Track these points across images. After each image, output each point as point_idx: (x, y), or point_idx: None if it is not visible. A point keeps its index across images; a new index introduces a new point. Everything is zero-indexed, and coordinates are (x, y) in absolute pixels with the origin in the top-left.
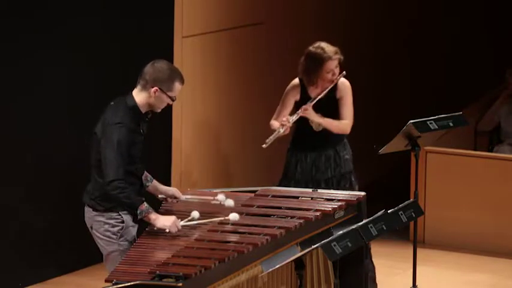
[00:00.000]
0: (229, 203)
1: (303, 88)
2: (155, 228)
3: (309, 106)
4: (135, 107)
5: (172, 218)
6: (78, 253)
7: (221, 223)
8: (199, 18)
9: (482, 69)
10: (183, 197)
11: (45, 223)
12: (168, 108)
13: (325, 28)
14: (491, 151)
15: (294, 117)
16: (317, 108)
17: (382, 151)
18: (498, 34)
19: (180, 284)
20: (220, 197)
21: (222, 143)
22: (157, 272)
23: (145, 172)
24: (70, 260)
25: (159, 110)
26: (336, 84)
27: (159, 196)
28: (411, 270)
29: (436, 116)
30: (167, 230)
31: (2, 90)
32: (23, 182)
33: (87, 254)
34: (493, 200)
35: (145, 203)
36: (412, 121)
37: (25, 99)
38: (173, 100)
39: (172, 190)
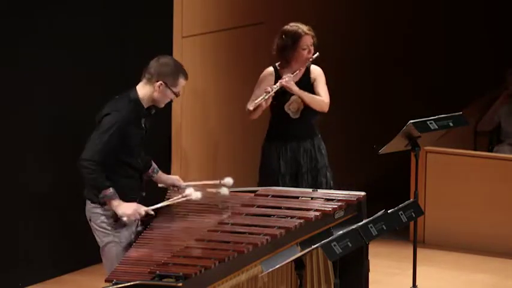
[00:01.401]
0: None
1: (278, 76)
2: (118, 216)
3: (289, 77)
4: (136, 100)
5: (134, 205)
6: (78, 253)
7: (221, 223)
8: (199, 18)
9: (482, 69)
10: (184, 185)
11: (44, 223)
12: (168, 105)
13: (325, 28)
14: (491, 151)
15: (277, 86)
16: (292, 94)
17: (382, 151)
18: (498, 34)
19: (180, 284)
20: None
21: (222, 143)
22: (157, 272)
23: (152, 164)
24: (70, 260)
25: (162, 105)
26: (308, 70)
27: (159, 185)
28: (411, 270)
29: (436, 116)
30: (124, 219)
31: (2, 90)
32: (23, 182)
33: (87, 254)
34: (493, 200)
35: (111, 188)
36: (412, 121)
37: (25, 99)
38: (177, 96)
39: (172, 178)
